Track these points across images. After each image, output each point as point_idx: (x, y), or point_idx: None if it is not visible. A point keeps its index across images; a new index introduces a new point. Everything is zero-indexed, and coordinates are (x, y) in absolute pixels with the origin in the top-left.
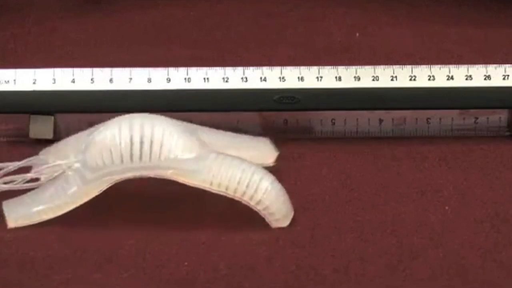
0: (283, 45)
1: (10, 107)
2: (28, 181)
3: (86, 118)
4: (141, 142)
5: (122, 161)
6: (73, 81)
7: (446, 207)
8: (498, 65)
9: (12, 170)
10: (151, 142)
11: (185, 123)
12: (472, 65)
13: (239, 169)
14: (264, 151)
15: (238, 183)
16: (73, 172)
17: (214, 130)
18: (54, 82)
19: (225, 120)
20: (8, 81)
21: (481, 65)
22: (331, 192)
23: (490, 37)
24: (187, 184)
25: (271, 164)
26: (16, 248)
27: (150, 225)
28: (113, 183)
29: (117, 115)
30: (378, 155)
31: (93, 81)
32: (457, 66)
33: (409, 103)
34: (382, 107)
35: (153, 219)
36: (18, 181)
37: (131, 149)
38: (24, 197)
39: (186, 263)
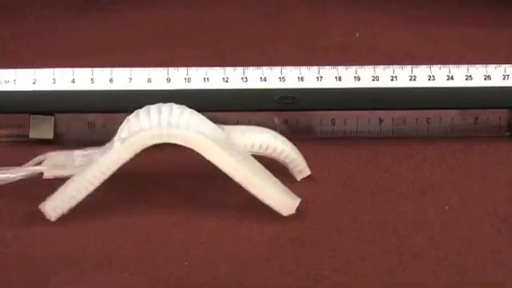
0: (283, 45)
1: (10, 107)
2: None
3: (86, 118)
4: (169, 122)
5: (151, 128)
6: (73, 81)
7: (446, 207)
8: (498, 65)
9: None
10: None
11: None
12: (472, 65)
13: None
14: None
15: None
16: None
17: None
18: (54, 82)
19: (225, 120)
20: (8, 81)
21: (481, 65)
22: (331, 192)
23: (490, 37)
24: (207, 157)
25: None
26: (16, 248)
27: (150, 225)
28: (140, 150)
29: (117, 115)
30: (378, 155)
31: (93, 81)
32: (457, 66)
33: (409, 103)
34: (382, 107)
35: (153, 219)
36: (50, 164)
37: (160, 119)
38: (55, 191)
39: (186, 263)
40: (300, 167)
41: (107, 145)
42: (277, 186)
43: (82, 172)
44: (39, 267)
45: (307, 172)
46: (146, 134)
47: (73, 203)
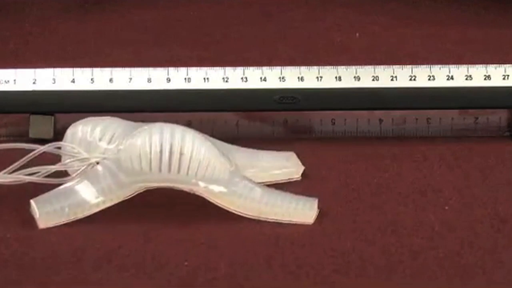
0: (283, 45)
1: (10, 107)
2: (50, 175)
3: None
4: (181, 154)
5: (160, 170)
6: (73, 81)
7: (446, 207)
8: (498, 65)
9: (36, 155)
10: (190, 157)
11: (213, 140)
12: (472, 65)
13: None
14: (290, 166)
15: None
16: (105, 171)
17: (236, 148)
18: (54, 82)
19: (225, 120)
20: (8, 81)
21: (481, 65)
22: (331, 192)
23: (490, 37)
24: (215, 203)
25: (298, 178)
26: (16, 248)
27: (150, 225)
28: (144, 190)
29: (118, 115)
30: (378, 155)
31: (93, 81)
32: (457, 66)
33: (409, 103)
34: (382, 107)
35: (153, 219)
36: (42, 173)
37: (170, 159)
38: (53, 195)
39: (186, 263)
40: (292, 173)
41: (88, 172)
42: (291, 204)
43: (85, 198)
44: (39, 267)
45: (301, 168)
46: (153, 178)
47: (69, 219)
